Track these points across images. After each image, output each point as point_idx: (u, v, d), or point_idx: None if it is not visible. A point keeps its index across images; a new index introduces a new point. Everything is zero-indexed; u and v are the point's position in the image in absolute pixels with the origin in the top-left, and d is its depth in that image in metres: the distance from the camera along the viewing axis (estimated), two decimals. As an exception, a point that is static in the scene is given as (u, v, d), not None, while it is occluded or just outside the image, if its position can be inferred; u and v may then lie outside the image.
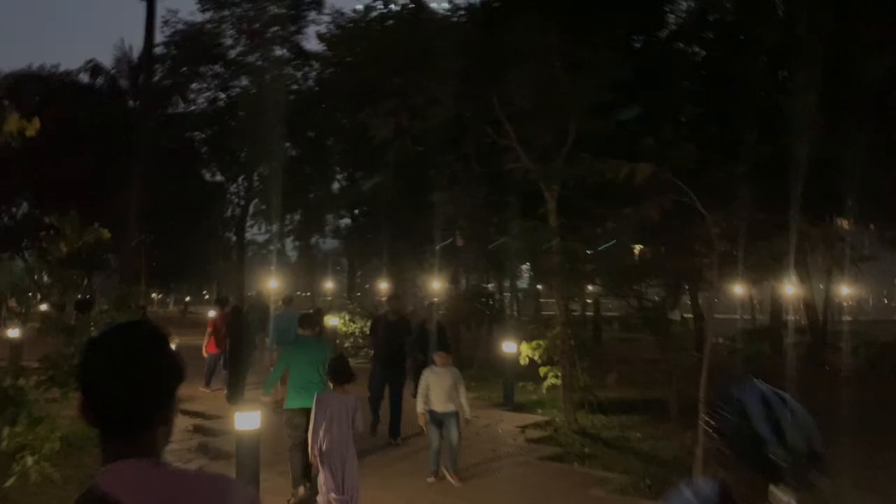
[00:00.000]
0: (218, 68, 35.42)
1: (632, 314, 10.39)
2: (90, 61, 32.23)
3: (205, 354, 13.64)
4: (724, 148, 9.38)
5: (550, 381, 11.01)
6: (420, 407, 7.42)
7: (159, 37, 32.25)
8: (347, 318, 20.15)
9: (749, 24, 13.96)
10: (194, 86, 35.50)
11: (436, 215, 13.85)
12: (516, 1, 9.98)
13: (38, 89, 30.05)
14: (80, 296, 19.42)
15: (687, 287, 14.22)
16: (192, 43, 33.82)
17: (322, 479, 5.84)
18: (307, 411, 6.13)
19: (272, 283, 34.21)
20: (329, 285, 60.39)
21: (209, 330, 13.63)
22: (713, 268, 7.26)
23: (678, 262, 8.65)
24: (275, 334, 12.94)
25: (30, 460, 5.17)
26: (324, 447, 5.76)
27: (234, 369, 12.30)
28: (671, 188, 7.47)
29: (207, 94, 36.20)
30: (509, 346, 11.90)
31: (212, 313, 26.79)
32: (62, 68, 31.88)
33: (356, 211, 34.84)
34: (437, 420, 7.37)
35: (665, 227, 8.98)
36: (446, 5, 10.25)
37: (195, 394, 12.77)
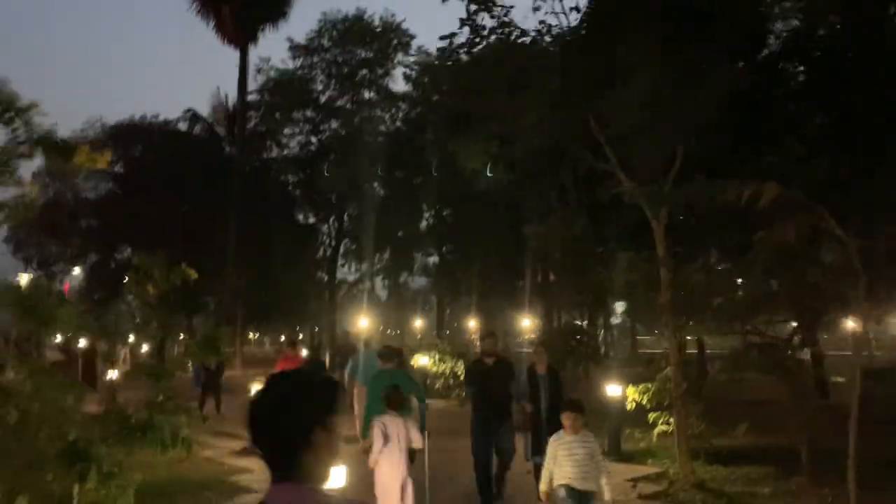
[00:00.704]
0: (309, 113, 36.21)
1: (750, 353, 9.28)
2: (188, 110, 33.68)
3: None
4: (855, 166, 8.36)
5: (661, 427, 10.03)
6: (544, 483, 5.80)
7: (253, 84, 33.37)
8: (437, 357, 19.57)
9: (862, 37, 12.78)
10: (287, 131, 36.39)
11: (528, 250, 13.18)
12: (612, 18, 9.33)
13: (139, 138, 31.50)
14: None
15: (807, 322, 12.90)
16: (284, 89, 34.73)
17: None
18: None
19: (363, 322, 34.28)
20: (418, 324, 60.34)
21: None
22: (860, 300, 6.25)
23: (810, 294, 7.62)
24: (352, 372, 12.35)
25: (102, 519, 4.79)
26: (383, 470, 6.13)
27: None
28: (801, 210, 6.57)
29: (299, 138, 37.03)
30: (614, 389, 10.96)
31: (304, 352, 27.01)
32: (161, 117, 33.34)
33: (444, 248, 34.61)
34: (572, 498, 5.66)
35: (788, 254, 7.99)
36: (536, 29, 9.66)
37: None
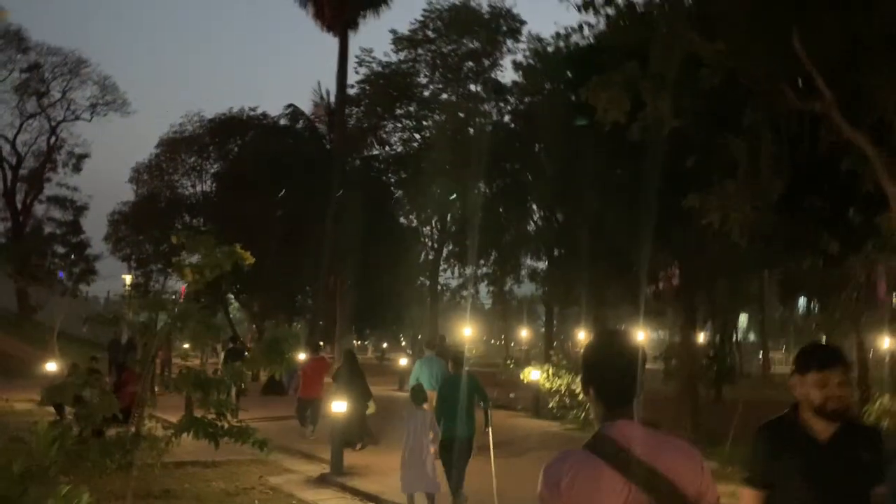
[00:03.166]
0: (412, 108, 34.57)
1: None
2: (289, 106, 32.64)
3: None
4: None
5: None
6: None
7: (354, 77, 31.99)
8: (550, 371, 16.92)
9: None
10: (389, 126, 34.90)
11: (682, 233, 10.37)
12: None
13: (238, 132, 30.68)
14: (231, 344, 18.52)
15: None
16: (387, 83, 33.22)
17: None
18: (453, 440, 7.53)
19: (466, 331, 32.10)
20: (524, 333, 57.59)
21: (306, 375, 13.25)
22: None
23: None
24: (421, 377, 10.99)
25: None
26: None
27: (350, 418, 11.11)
28: None
29: (402, 134, 35.45)
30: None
31: (403, 361, 25.05)
32: (260, 111, 32.58)
33: (555, 252, 32.00)
34: None
35: None
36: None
37: (368, 464, 10.25)
